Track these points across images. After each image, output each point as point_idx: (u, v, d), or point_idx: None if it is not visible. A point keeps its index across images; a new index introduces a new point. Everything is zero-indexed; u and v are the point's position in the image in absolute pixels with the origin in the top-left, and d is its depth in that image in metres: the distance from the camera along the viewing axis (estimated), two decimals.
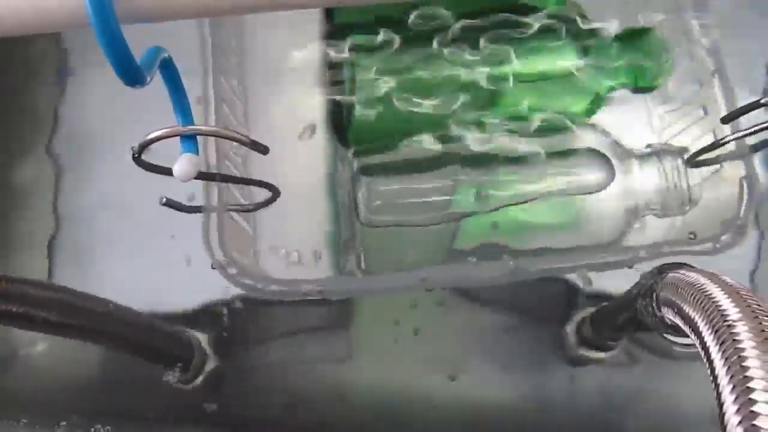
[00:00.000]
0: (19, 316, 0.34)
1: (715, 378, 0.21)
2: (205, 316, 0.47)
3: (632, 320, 0.37)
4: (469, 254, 0.46)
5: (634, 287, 0.36)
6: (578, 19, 0.48)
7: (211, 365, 0.47)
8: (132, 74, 0.24)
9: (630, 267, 0.40)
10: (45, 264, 0.49)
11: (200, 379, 0.46)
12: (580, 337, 0.49)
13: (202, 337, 0.47)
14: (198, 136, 0.33)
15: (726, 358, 0.21)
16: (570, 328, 0.48)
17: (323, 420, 0.46)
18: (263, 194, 0.42)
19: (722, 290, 0.24)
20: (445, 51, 0.45)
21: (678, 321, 0.28)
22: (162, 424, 0.47)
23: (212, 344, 0.47)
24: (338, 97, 0.48)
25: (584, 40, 0.47)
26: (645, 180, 0.46)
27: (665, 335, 0.41)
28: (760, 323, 0.21)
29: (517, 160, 0.46)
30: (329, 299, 0.43)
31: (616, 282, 0.45)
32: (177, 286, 0.46)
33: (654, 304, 0.32)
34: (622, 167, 0.47)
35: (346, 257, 0.45)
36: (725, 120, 0.37)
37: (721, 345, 0.22)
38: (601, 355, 0.48)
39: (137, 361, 0.42)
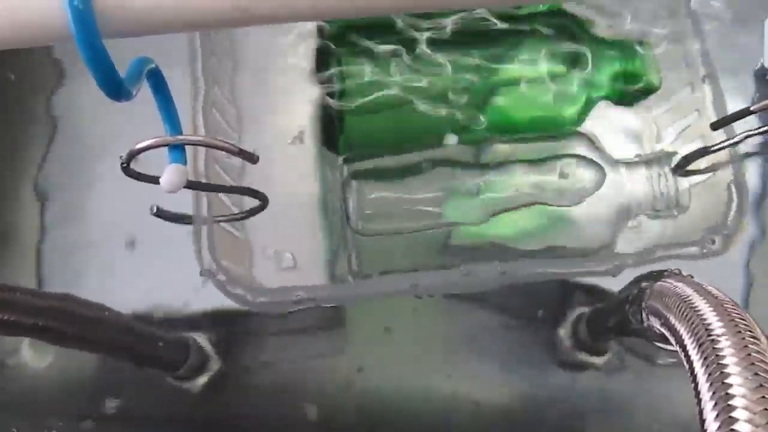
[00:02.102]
0: (10, 324, 0.34)
1: (697, 393, 0.21)
2: (206, 317, 0.47)
3: (622, 325, 0.37)
4: (461, 254, 0.46)
5: (624, 290, 0.36)
6: (569, 25, 0.48)
7: (213, 366, 0.47)
8: (116, 88, 0.24)
9: (615, 275, 0.40)
10: (35, 269, 0.49)
11: (202, 380, 0.46)
12: (574, 339, 0.49)
13: (203, 339, 0.47)
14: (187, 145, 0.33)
15: (709, 374, 0.21)
16: (564, 331, 0.49)
17: (325, 419, 0.46)
18: (254, 201, 0.42)
19: (707, 303, 0.25)
20: (436, 57, 0.45)
21: (664, 331, 0.28)
22: (158, 428, 0.47)
23: (214, 345, 0.47)
24: (330, 102, 0.47)
25: (576, 46, 0.47)
26: (634, 185, 0.46)
27: (654, 343, 0.42)
28: (743, 338, 0.21)
29: (508, 167, 0.46)
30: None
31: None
32: (178, 287, 0.46)
33: (642, 313, 0.32)
34: (611, 173, 0.47)
35: (338, 263, 0.45)
36: (714, 127, 0.37)
37: (704, 360, 0.22)
38: (595, 358, 0.49)
39: (131, 364, 0.42)
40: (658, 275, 0.33)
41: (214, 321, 0.47)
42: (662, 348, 0.42)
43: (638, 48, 0.48)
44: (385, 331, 0.47)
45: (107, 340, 0.39)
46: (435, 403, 0.47)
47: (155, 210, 0.40)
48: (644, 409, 0.47)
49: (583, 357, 0.48)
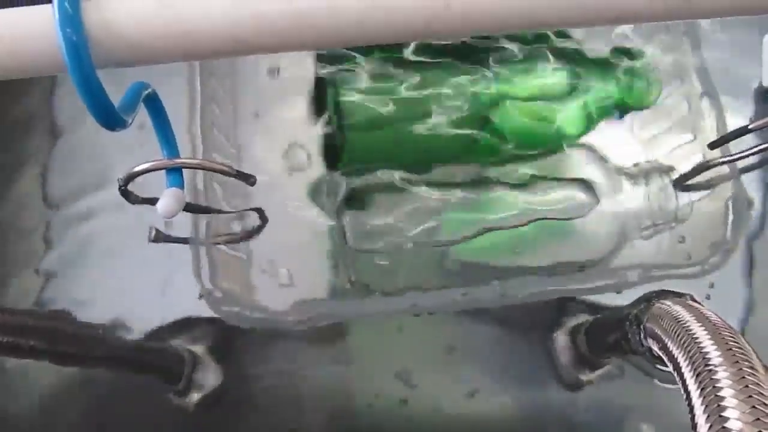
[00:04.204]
0: (7, 346, 0.34)
1: (694, 425, 0.21)
2: (204, 327, 0.47)
3: (623, 343, 0.37)
4: (460, 272, 0.46)
5: (625, 309, 0.36)
6: (568, 42, 0.47)
7: (209, 378, 0.47)
8: (111, 119, 0.24)
9: (619, 292, 0.40)
10: (38, 283, 0.49)
11: (199, 392, 0.46)
12: (574, 354, 0.49)
13: (199, 349, 0.47)
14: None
15: (706, 405, 0.21)
16: (563, 345, 0.49)
17: (325, 429, 0.46)
18: (252, 220, 0.42)
19: (705, 330, 0.24)
20: (436, 74, 0.45)
21: (662, 355, 0.28)
22: None
23: (211, 356, 0.47)
24: (330, 119, 0.47)
25: (575, 61, 0.47)
26: (633, 201, 0.46)
27: (654, 365, 0.41)
28: (741, 369, 0.21)
29: (507, 184, 0.46)
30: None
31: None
32: (176, 296, 0.46)
33: (641, 334, 0.32)
34: (610, 188, 0.47)
35: (337, 280, 0.45)
36: (713, 146, 0.37)
37: (701, 390, 0.21)
38: (594, 373, 0.48)
39: (130, 378, 0.42)
40: (657, 296, 0.33)
41: (213, 332, 0.47)
42: (661, 369, 0.43)
43: (634, 62, 0.47)
44: (385, 344, 0.47)
45: (109, 358, 0.39)
46: (433, 416, 0.46)
47: (153, 236, 0.40)
48: (642, 423, 0.47)
49: (582, 371, 0.48)
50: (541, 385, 0.47)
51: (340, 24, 0.23)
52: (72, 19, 0.22)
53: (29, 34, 0.22)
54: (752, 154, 0.38)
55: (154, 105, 0.31)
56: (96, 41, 0.23)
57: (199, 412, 0.46)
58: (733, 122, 0.45)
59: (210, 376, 0.47)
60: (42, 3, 0.22)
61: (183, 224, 0.45)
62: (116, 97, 0.26)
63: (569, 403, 0.47)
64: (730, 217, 0.41)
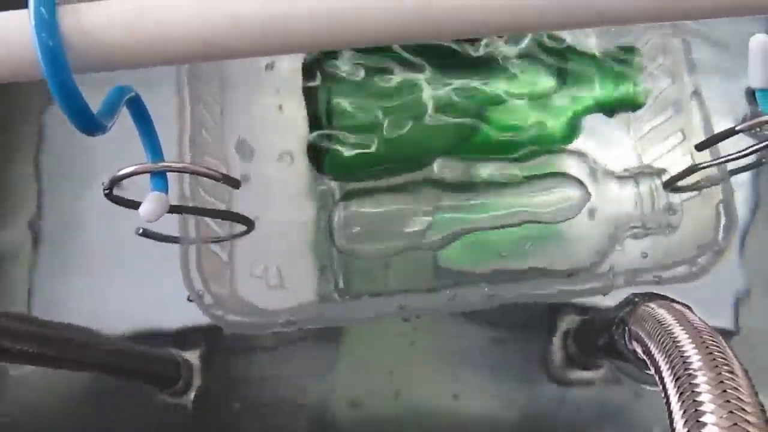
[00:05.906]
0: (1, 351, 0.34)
1: (672, 430, 0.21)
2: (194, 333, 0.47)
3: (610, 346, 0.37)
4: (449, 274, 0.46)
5: (612, 311, 0.36)
6: (559, 41, 0.47)
7: (199, 382, 0.47)
8: (90, 124, 0.24)
9: (605, 294, 0.40)
10: (26, 290, 0.49)
11: (189, 396, 0.47)
12: (565, 354, 0.49)
13: (190, 355, 0.47)
14: None
15: (684, 410, 0.21)
16: (555, 346, 0.49)
17: None
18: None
19: (687, 334, 0.24)
20: (422, 77, 0.45)
21: (645, 358, 0.28)
22: None
23: (201, 361, 0.47)
24: (316, 122, 0.47)
25: (565, 61, 0.47)
26: (623, 203, 0.46)
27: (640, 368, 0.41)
28: (720, 373, 0.21)
29: (496, 186, 0.46)
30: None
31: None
32: (166, 302, 0.46)
33: (626, 337, 0.32)
34: (599, 191, 0.47)
35: (325, 282, 0.45)
36: (700, 147, 0.36)
37: (680, 395, 0.21)
38: (586, 373, 0.49)
39: (123, 381, 0.42)
40: (642, 298, 0.33)
41: (201, 336, 0.47)
42: (647, 372, 0.42)
43: (627, 60, 0.47)
44: (376, 347, 0.47)
45: (99, 362, 0.39)
46: (427, 419, 0.46)
47: (141, 231, 0.40)
48: (635, 424, 0.47)
49: (574, 372, 0.48)
50: (532, 386, 0.47)
51: (320, 28, 0.23)
52: (47, 24, 0.22)
53: (3, 40, 0.22)
54: (743, 156, 0.37)
55: (138, 108, 0.31)
56: (72, 46, 0.22)
57: (190, 415, 0.46)
58: (722, 124, 0.45)
59: (198, 379, 0.47)
60: (15, 8, 0.22)
61: (171, 231, 0.45)
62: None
63: (561, 404, 0.47)
64: (721, 220, 0.41)
